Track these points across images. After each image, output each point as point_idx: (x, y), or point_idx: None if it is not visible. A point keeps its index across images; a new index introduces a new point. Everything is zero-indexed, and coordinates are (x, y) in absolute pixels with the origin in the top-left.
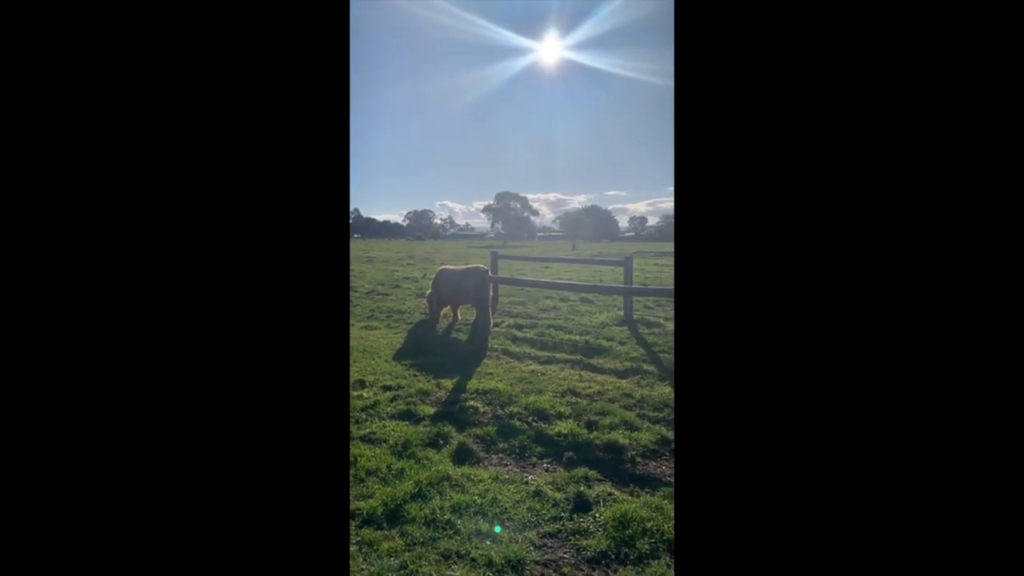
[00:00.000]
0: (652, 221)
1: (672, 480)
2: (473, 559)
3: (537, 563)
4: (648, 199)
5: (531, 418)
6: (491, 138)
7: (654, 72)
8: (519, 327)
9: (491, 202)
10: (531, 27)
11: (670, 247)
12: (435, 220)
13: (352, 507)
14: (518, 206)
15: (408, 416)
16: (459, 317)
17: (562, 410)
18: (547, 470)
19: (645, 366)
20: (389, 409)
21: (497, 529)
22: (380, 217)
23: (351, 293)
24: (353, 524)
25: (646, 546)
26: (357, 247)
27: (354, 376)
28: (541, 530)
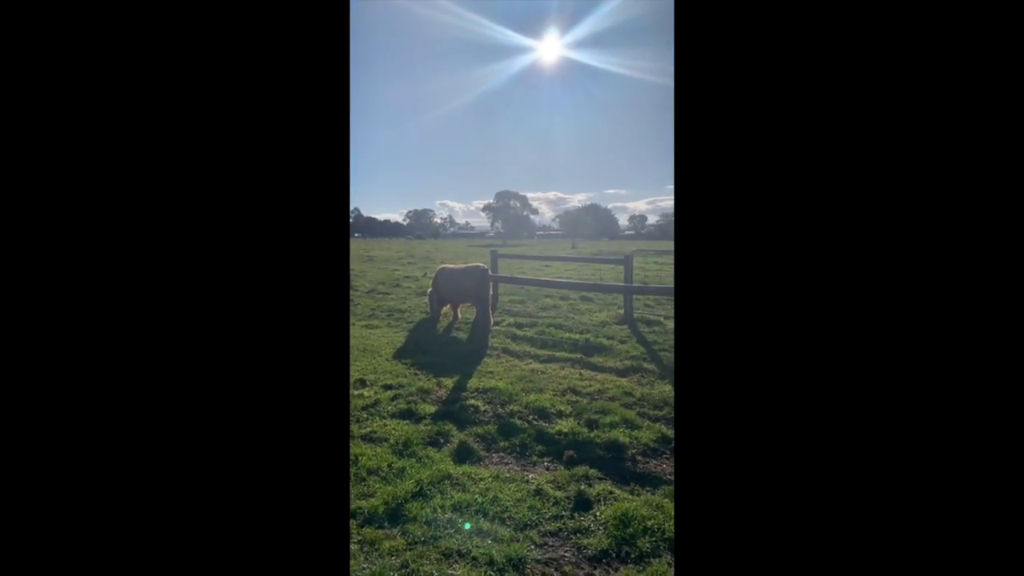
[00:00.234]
0: (652, 219)
1: (673, 478)
2: (474, 558)
3: (538, 562)
4: (648, 197)
5: (531, 417)
6: (491, 137)
7: (653, 71)
8: (519, 326)
9: (491, 201)
10: (531, 26)
11: (670, 245)
12: (435, 219)
13: (353, 506)
14: (518, 205)
15: (409, 415)
16: (459, 316)
17: (562, 409)
18: (548, 469)
19: (645, 364)
20: (390, 408)
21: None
22: (380, 216)
23: (352, 292)
24: (354, 523)
25: (647, 545)
26: (358, 246)
27: (355, 375)
28: (542, 529)
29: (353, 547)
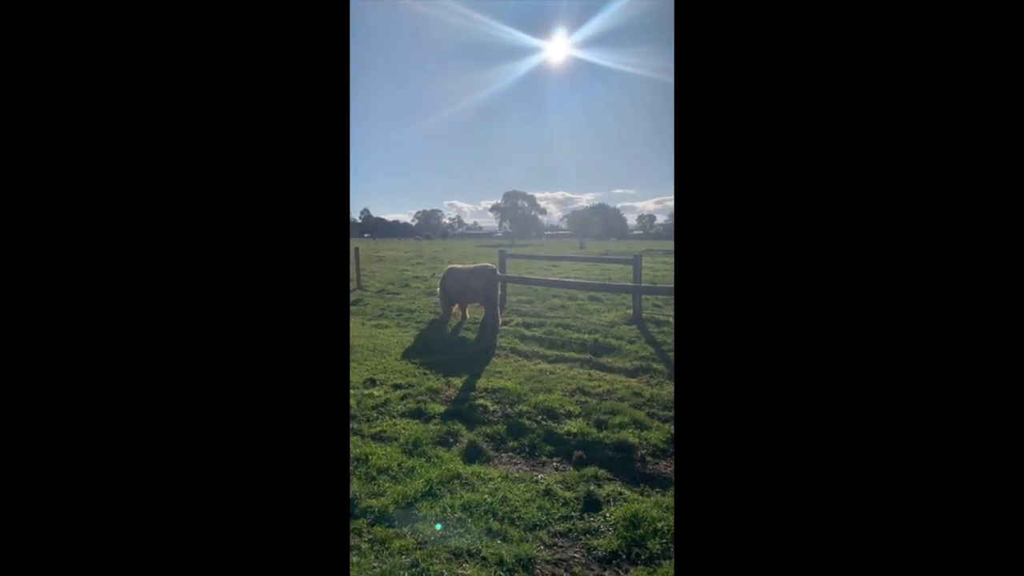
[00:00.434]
0: (660, 219)
1: None
2: (484, 558)
3: (547, 562)
4: (656, 197)
5: (540, 417)
6: (499, 137)
7: (661, 69)
8: (527, 326)
9: (499, 201)
10: (539, 26)
11: None
12: (443, 220)
13: (363, 505)
14: (526, 205)
15: (418, 414)
16: (467, 316)
17: (571, 409)
18: (557, 469)
19: (655, 365)
20: (399, 407)
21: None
22: (390, 217)
23: (362, 292)
24: (365, 522)
25: (657, 546)
26: (367, 246)
27: (365, 374)
28: (551, 529)
29: (364, 545)
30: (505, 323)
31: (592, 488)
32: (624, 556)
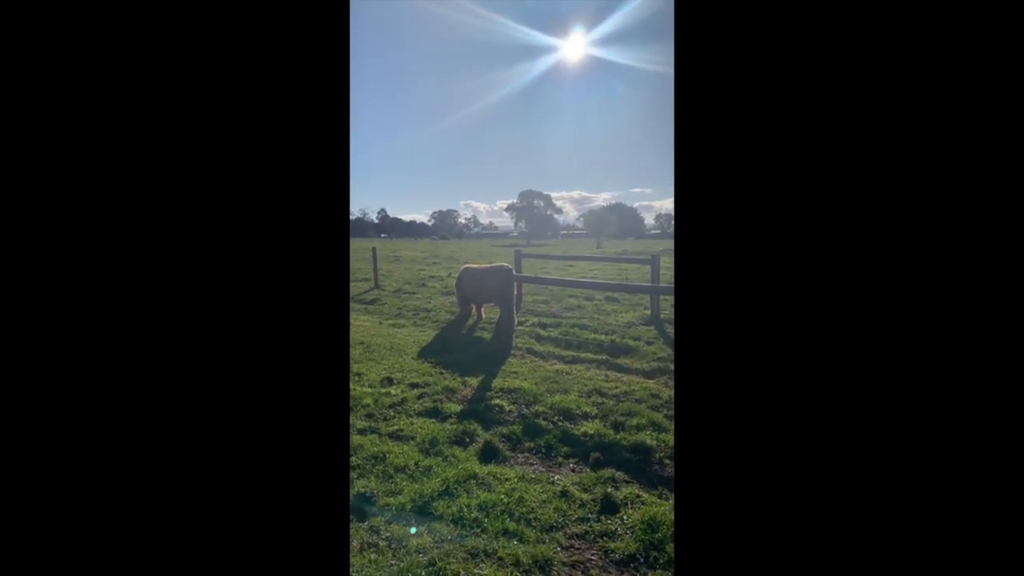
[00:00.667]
0: None
1: None
2: (500, 558)
3: (565, 564)
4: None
5: (556, 418)
6: (514, 137)
7: None
8: (543, 326)
9: (514, 201)
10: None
11: None
12: (459, 219)
13: (381, 503)
14: (542, 204)
15: (435, 413)
16: (483, 315)
17: (588, 410)
18: (573, 470)
19: (673, 366)
20: (416, 406)
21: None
22: (406, 217)
23: (379, 292)
24: (382, 519)
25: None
26: (384, 246)
27: (382, 373)
28: (568, 531)
29: (381, 543)
30: (521, 323)
31: (609, 490)
32: (642, 559)
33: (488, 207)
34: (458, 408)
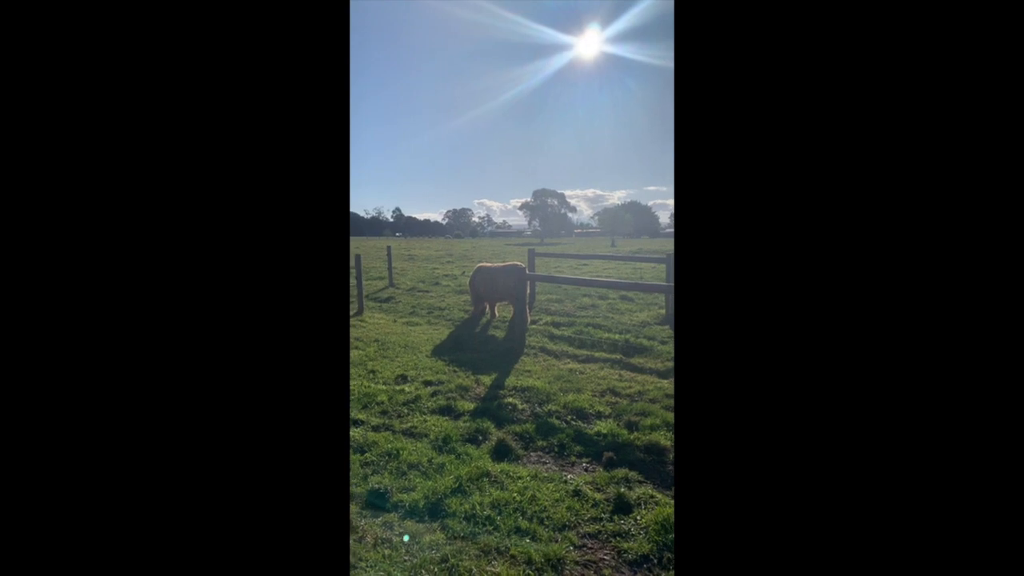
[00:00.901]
0: None
1: None
2: (512, 556)
3: (577, 563)
4: None
5: (570, 417)
6: (528, 135)
7: None
8: (557, 325)
9: (528, 199)
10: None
11: None
12: (473, 218)
13: (395, 499)
14: (555, 203)
15: (448, 411)
16: (496, 314)
17: (601, 409)
18: (586, 470)
19: None
20: (430, 404)
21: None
22: (420, 216)
23: (393, 290)
24: (396, 516)
25: None
26: (399, 245)
27: (397, 371)
28: (581, 530)
29: (395, 539)
30: (534, 322)
31: (623, 490)
32: (656, 560)
33: (502, 206)
34: (471, 406)
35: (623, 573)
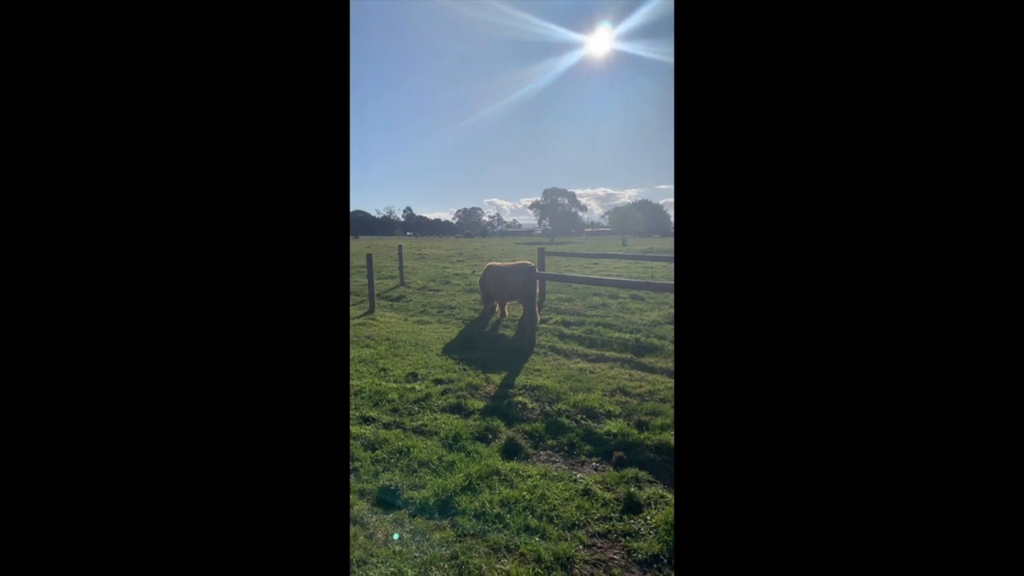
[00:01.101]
0: None
1: None
2: (522, 554)
3: (587, 562)
4: None
5: (579, 416)
6: (538, 134)
7: None
8: (567, 324)
9: (538, 198)
10: (581, 20)
11: None
12: (483, 217)
13: (405, 496)
14: (566, 202)
15: (458, 409)
16: (507, 313)
17: (611, 409)
18: (596, 469)
19: None
20: (440, 402)
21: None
22: (431, 215)
23: (404, 289)
24: (406, 513)
25: None
26: (410, 244)
27: (407, 369)
28: (590, 529)
29: (406, 536)
30: (544, 321)
31: (632, 490)
32: (666, 560)
33: (512, 205)
34: (481, 404)
35: (633, 573)
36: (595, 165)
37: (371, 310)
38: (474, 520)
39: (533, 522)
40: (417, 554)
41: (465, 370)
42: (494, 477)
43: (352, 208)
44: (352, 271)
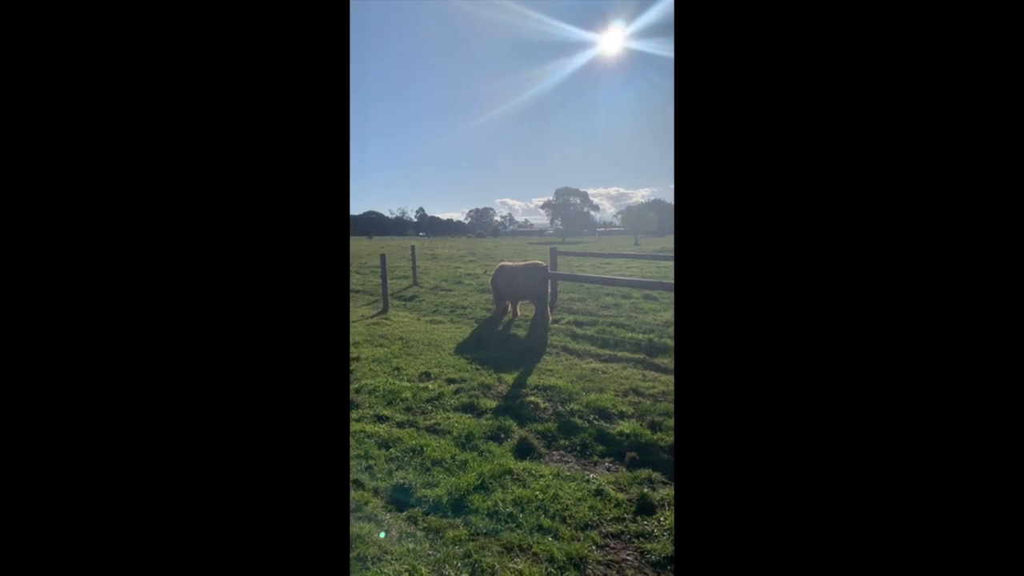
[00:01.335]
0: None
1: None
2: (535, 553)
3: (599, 563)
4: None
5: (592, 416)
6: (551, 133)
7: None
8: (579, 324)
9: (550, 198)
10: (594, 19)
11: None
12: (495, 217)
13: (418, 494)
14: (578, 201)
15: (471, 409)
16: (519, 313)
17: (624, 409)
18: (609, 469)
19: None
20: (453, 401)
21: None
22: (443, 215)
23: (417, 289)
24: (419, 511)
25: None
26: (422, 244)
27: (420, 368)
28: (603, 530)
29: (419, 533)
30: (556, 321)
31: (646, 491)
32: None
33: (524, 205)
34: (494, 404)
35: (646, 574)
36: (607, 164)
37: (385, 309)
38: (487, 519)
39: (546, 522)
40: (431, 552)
41: (477, 370)
42: (507, 476)
43: (365, 209)
44: (366, 271)
